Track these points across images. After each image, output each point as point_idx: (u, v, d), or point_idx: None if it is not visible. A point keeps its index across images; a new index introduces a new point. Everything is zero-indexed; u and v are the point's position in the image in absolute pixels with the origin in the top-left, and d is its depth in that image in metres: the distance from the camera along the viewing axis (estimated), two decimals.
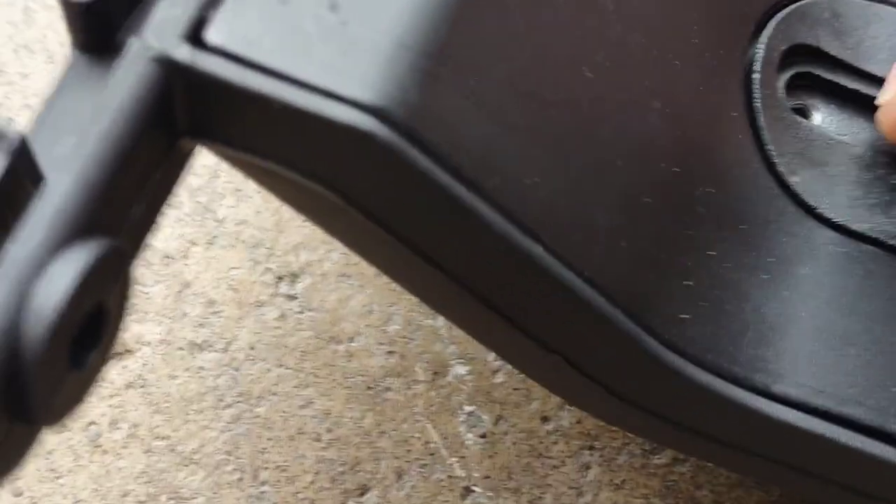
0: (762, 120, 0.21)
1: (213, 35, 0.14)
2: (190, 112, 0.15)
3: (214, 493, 0.23)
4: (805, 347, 0.20)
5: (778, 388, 0.19)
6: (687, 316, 0.19)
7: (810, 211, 0.21)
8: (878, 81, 0.22)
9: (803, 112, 0.23)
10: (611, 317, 0.18)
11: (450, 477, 0.24)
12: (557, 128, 0.17)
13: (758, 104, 0.21)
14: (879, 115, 0.21)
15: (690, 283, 0.19)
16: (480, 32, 0.16)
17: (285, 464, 0.24)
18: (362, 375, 0.25)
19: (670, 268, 0.19)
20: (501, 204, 0.16)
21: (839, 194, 0.21)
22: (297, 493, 0.24)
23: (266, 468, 0.24)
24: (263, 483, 0.24)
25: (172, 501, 0.23)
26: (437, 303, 0.19)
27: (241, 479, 0.24)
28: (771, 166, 0.21)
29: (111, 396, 0.24)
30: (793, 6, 0.22)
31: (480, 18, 0.16)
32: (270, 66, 0.14)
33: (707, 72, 0.21)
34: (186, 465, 0.24)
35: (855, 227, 0.21)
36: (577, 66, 0.18)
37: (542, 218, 0.17)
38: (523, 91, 0.17)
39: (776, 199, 0.21)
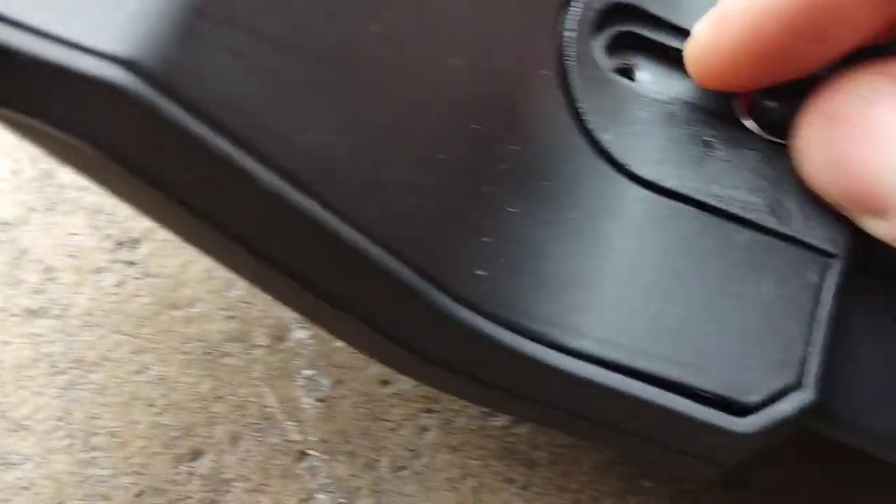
0: (574, 79, 0.21)
1: None
2: None
3: (44, 458, 0.23)
4: (604, 302, 0.20)
5: (574, 343, 0.19)
6: (483, 272, 0.19)
7: (620, 168, 0.21)
8: None
9: (629, 72, 0.23)
10: (397, 273, 0.18)
11: (286, 441, 0.24)
12: (338, 85, 0.17)
13: (570, 63, 0.21)
14: (686, 53, 0.21)
15: (488, 239, 0.19)
16: None
17: (117, 429, 0.24)
18: (200, 341, 0.25)
19: (466, 225, 0.19)
20: (271, 160, 0.16)
21: (650, 151, 0.21)
22: (129, 458, 0.24)
23: (98, 434, 0.24)
24: (94, 448, 0.24)
25: (1, 467, 0.23)
26: (226, 262, 0.19)
27: (71, 445, 0.23)
28: (581, 124, 0.21)
29: None
30: None
31: None
32: (19, 20, 0.14)
33: (518, 31, 0.21)
34: (16, 431, 0.23)
35: (665, 183, 0.21)
36: (363, 22, 0.18)
37: (319, 174, 0.17)
38: (298, 49, 0.17)
39: (585, 157, 0.21)
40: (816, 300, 0.20)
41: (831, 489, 0.25)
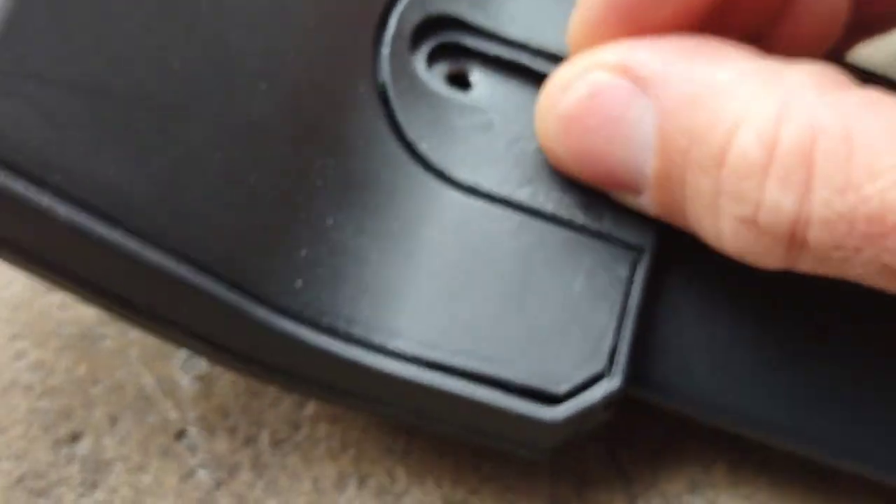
0: (391, 92, 0.22)
1: None
2: None
3: None
4: (422, 304, 0.21)
5: (394, 345, 0.20)
6: (301, 283, 0.20)
7: (438, 174, 0.22)
8: (519, 46, 0.23)
9: (463, 79, 0.23)
10: (211, 290, 0.19)
11: (164, 420, 0.24)
12: (135, 120, 0.18)
13: (386, 78, 0.22)
14: (569, 29, 0.22)
15: (305, 251, 0.20)
16: (37, 38, 0.17)
17: None
18: (76, 325, 0.25)
19: (282, 239, 0.20)
20: (70, 195, 0.17)
21: (468, 157, 0.22)
22: (9, 443, 0.24)
23: None
24: None
25: None
26: (68, 292, 0.20)
27: None
28: (400, 135, 0.22)
29: None
30: None
31: (37, 22, 0.17)
32: None
33: (332, 50, 0.21)
34: None
35: (481, 187, 0.22)
36: (159, 58, 0.19)
37: (120, 204, 0.18)
38: (89, 90, 0.18)
39: (404, 165, 0.21)
40: (626, 292, 0.21)
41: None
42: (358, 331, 0.20)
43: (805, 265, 0.19)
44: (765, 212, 0.18)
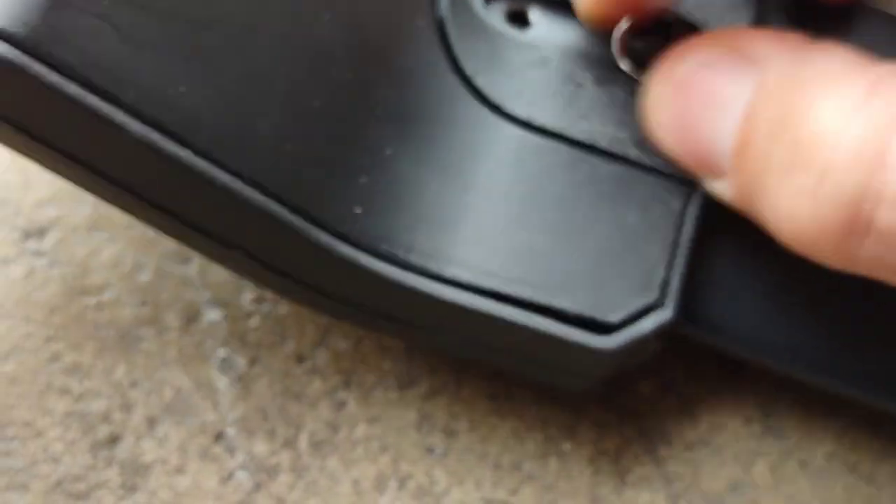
0: (450, 26, 0.22)
1: None
2: None
3: None
4: (478, 234, 0.21)
5: (450, 272, 0.21)
6: (361, 210, 0.20)
7: (494, 108, 0.22)
8: None
9: (521, 16, 0.23)
10: (277, 214, 0.19)
11: (203, 422, 0.24)
12: (206, 42, 0.19)
13: (445, 13, 0.22)
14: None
15: (365, 179, 0.20)
16: None
17: (33, 419, 0.24)
18: (113, 327, 0.25)
19: (343, 166, 0.20)
20: (142, 113, 0.18)
21: (523, 92, 0.22)
22: (47, 446, 0.24)
23: (13, 425, 0.24)
24: (11, 439, 0.24)
25: None
26: (126, 210, 0.21)
27: None
28: (458, 69, 0.22)
29: None
30: None
31: None
32: None
33: None
34: None
35: (536, 121, 0.22)
36: None
37: (190, 125, 0.18)
38: (162, 10, 0.18)
39: (461, 99, 0.22)
40: (679, 226, 0.22)
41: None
42: (415, 258, 0.20)
43: (866, 255, 0.18)
44: (829, 184, 0.18)
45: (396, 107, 0.21)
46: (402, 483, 0.24)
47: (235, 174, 0.19)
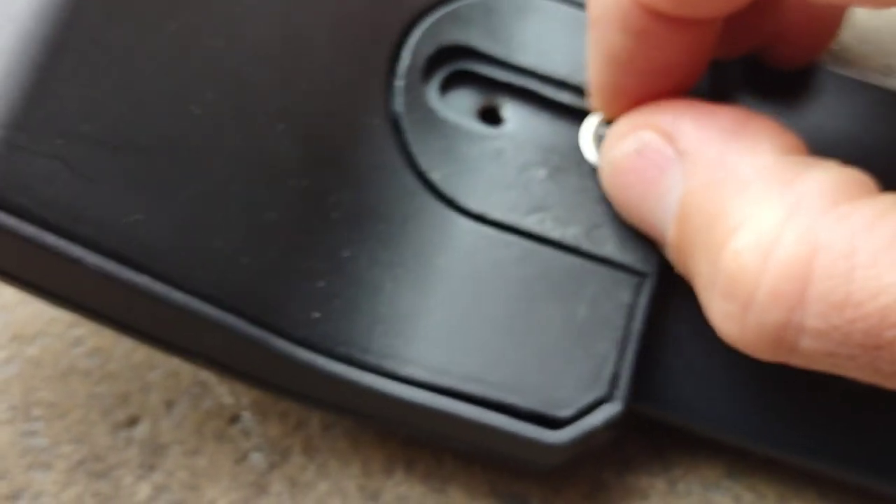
0: (404, 123, 0.22)
1: None
2: None
3: None
4: (432, 332, 0.22)
5: (406, 371, 0.21)
6: (318, 314, 0.21)
7: (450, 204, 0.22)
8: (529, 73, 0.24)
9: (494, 111, 0.24)
10: (234, 326, 0.20)
11: (219, 404, 0.25)
12: (159, 169, 0.19)
13: (399, 109, 0.23)
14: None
15: (322, 283, 0.21)
16: (64, 97, 0.18)
17: (57, 400, 0.25)
18: None
19: (299, 273, 0.21)
20: (99, 245, 0.19)
21: (479, 185, 0.23)
22: (69, 427, 0.25)
23: (38, 406, 0.25)
24: (36, 419, 0.25)
25: None
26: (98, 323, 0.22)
27: (13, 418, 0.25)
28: (413, 166, 0.22)
29: None
30: (441, 11, 0.23)
31: (68, 82, 0.18)
32: None
33: (345, 86, 0.22)
34: None
35: (491, 215, 0.22)
36: (180, 106, 0.20)
37: (146, 250, 0.19)
38: (114, 143, 0.19)
39: (417, 196, 0.22)
40: (630, 317, 0.22)
41: None
42: (372, 359, 0.21)
43: (796, 362, 0.19)
44: (753, 315, 0.18)
45: (353, 208, 0.22)
46: (410, 466, 0.25)
47: (192, 293, 0.19)
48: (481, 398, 0.21)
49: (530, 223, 0.22)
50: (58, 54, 0.18)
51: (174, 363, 0.25)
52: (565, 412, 0.21)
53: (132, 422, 0.25)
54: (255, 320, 0.20)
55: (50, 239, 0.18)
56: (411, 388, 0.21)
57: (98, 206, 0.19)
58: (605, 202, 0.23)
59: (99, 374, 0.25)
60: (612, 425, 0.22)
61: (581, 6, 0.24)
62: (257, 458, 0.25)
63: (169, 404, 0.25)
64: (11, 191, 0.18)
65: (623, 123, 0.22)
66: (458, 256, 0.22)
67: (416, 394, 0.21)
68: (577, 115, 0.23)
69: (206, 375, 0.25)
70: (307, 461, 0.25)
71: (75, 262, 0.18)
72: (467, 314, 0.22)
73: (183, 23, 0.20)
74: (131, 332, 0.21)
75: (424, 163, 0.22)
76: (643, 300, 0.22)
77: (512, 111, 0.23)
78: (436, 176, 0.22)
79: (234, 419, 0.25)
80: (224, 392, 0.25)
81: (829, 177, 0.19)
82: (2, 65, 0.18)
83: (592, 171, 0.23)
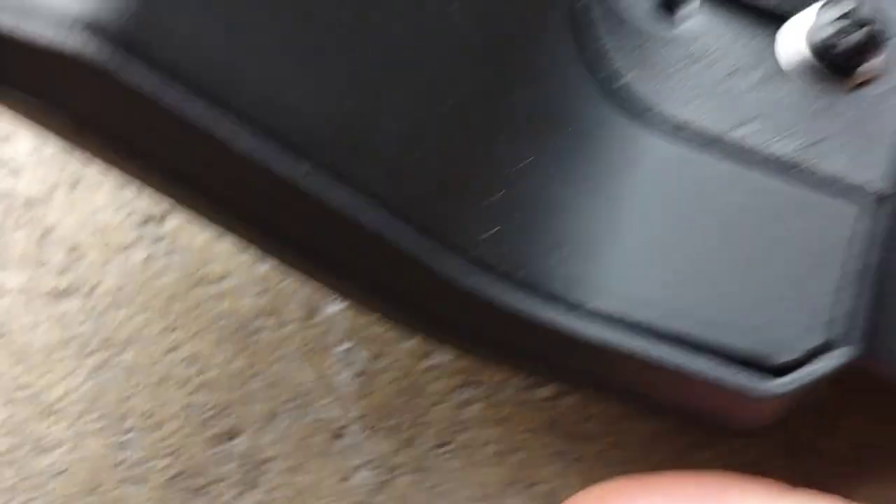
0: (594, 20, 0.20)
1: None
2: None
3: (77, 442, 0.23)
4: (628, 259, 0.18)
5: (595, 304, 0.18)
6: (495, 231, 0.18)
7: (644, 112, 0.19)
8: None
9: (671, 6, 0.21)
10: (401, 236, 0.17)
11: (323, 418, 0.23)
12: (327, 40, 0.16)
13: (588, 3, 0.20)
14: None
15: (501, 194, 0.18)
16: None
17: (151, 410, 0.23)
18: (232, 317, 0.24)
19: (477, 179, 0.18)
20: (255, 121, 0.15)
21: (677, 92, 0.20)
22: (164, 438, 0.23)
23: (131, 416, 0.23)
24: (128, 430, 0.23)
25: (34, 452, 0.23)
26: (230, 231, 0.18)
27: (104, 428, 0.23)
28: (601, 67, 0.20)
29: None
30: None
31: None
32: None
33: None
34: (48, 415, 0.23)
35: (692, 126, 0.19)
36: None
37: (308, 133, 0.16)
38: (280, 3, 0.15)
39: (605, 102, 0.19)
40: (867, 248, 0.19)
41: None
42: (556, 286, 0.18)
43: None
44: None
45: (534, 112, 0.19)
46: (530, 487, 0.23)
47: (356, 189, 0.16)
48: (684, 337, 0.18)
49: (740, 135, 0.19)
50: None
51: (275, 372, 0.23)
52: (787, 356, 0.18)
53: (231, 435, 0.23)
54: (424, 230, 0.17)
55: (198, 108, 0.14)
56: (601, 325, 0.18)
57: (255, 73, 0.15)
58: (826, 115, 0.20)
59: (196, 383, 0.23)
60: (840, 375, 0.18)
61: None
62: (364, 476, 0.23)
63: (270, 416, 0.23)
64: (155, 41, 0.14)
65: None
66: (654, 174, 0.19)
67: (607, 332, 0.18)
68: (779, 18, 0.20)
69: (311, 386, 0.23)
70: (418, 481, 0.23)
71: (225, 140, 0.15)
72: (666, 241, 0.19)
73: None
74: (269, 241, 0.18)
75: (616, 63, 0.19)
76: (879, 228, 0.19)
77: (704, 8, 0.20)
78: (628, 78, 0.19)
79: (340, 434, 0.23)
80: (329, 403, 0.23)
81: None
82: None
83: (803, 85, 0.20)
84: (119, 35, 0.13)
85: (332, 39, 0.16)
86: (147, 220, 0.24)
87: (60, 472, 0.22)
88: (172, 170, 0.16)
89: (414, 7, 0.17)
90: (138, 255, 0.24)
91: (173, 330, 0.24)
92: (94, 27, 0.13)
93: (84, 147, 0.17)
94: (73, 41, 0.13)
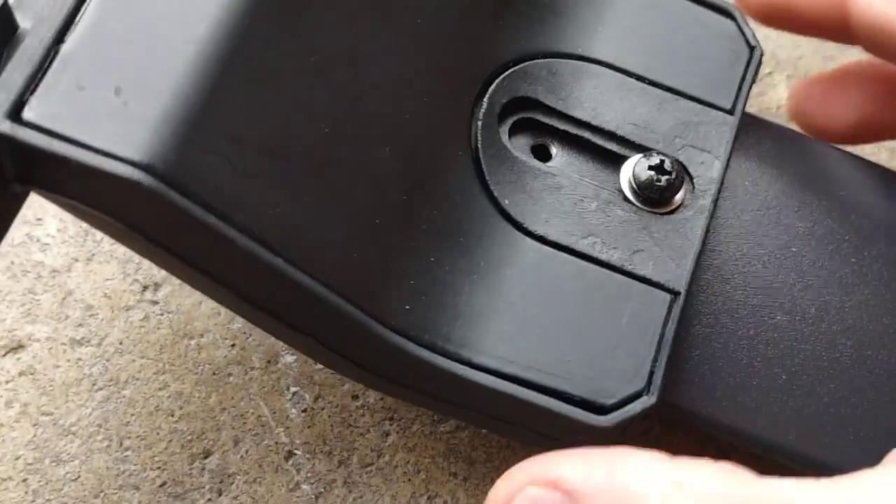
0: (482, 157, 0.28)
1: (27, 114, 0.21)
2: (15, 166, 0.21)
3: (87, 456, 0.30)
4: (502, 329, 0.26)
5: (479, 360, 0.26)
6: (409, 307, 0.25)
7: (517, 226, 0.27)
8: (583, 124, 0.29)
9: (546, 148, 0.29)
10: (345, 310, 0.24)
11: (276, 443, 0.30)
12: (296, 173, 0.24)
13: (479, 145, 0.28)
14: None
15: (413, 282, 0.26)
16: (232, 108, 0.23)
17: (145, 434, 0.30)
18: (209, 364, 0.31)
19: (397, 271, 0.25)
20: (248, 230, 0.23)
21: (541, 212, 0.27)
22: (154, 456, 0.30)
23: (129, 437, 0.30)
24: (127, 449, 0.30)
25: (54, 463, 0.30)
26: (219, 301, 0.26)
27: (108, 446, 0.30)
28: (488, 193, 0.27)
29: (6, 382, 0.30)
30: (516, 67, 0.29)
31: (233, 98, 0.23)
32: (68, 135, 0.21)
33: (438, 122, 0.27)
34: (66, 436, 0.30)
35: (550, 237, 0.27)
36: (315, 124, 0.24)
37: (284, 238, 0.23)
38: (267, 149, 0.23)
39: (490, 218, 0.27)
40: (664, 327, 0.27)
41: None
42: (452, 347, 0.25)
43: None
44: None
45: (439, 223, 0.26)
46: (431, 500, 0.30)
47: (315, 278, 0.24)
48: (540, 385, 0.25)
49: (584, 245, 0.27)
50: (227, 73, 0.23)
51: (241, 407, 0.31)
52: (609, 400, 0.25)
53: (206, 454, 0.30)
54: (359, 307, 0.24)
55: (212, 220, 0.22)
56: (483, 374, 0.25)
57: (250, 198, 0.23)
58: (644, 232, 0.28)
59: (179, 414, 0.30)
60: (646, 415, 0.26)
61: (627, 73, 0.29)
62: (306, 489, 0.30)
63: (236, 441, 0.30)
64: (187, 178, 0.22)
65: (502, 488, 0.23)
66: (523, 269, 0.27)
67: (487, 379, 0.25)
68: (620, 160, 0.29)
69: (267, 419, 0.31)
70: (347, 493, 0.30)
71: (229, 241, 0.22)
72: (530, 316, 0.26)
73: (322, 57, 0.24)
74: (254, 308, 0.25)
75: (497, 191, 0.27)
76: (675, 313, 0.27)
77: (560, 151, 0.29)
78: (506, 202, 0.27)
79: (289, 455, 0.30)
80: (281, 432, 0.31)
81: (712, 467, 0.22)
82: (187, 77, 0.22)
83: (633, 207, 0.28)
84: (166, 174, 0.21)
85: (302, 177, 0.24)
86: (146, 288, 0.32)
87: (74, 480, 0.29)
88: (189, 260, 0.24)
89: (357, 155, 0.25)
90: (138, 314, 0.31)
91: (163, 373, 0.31)
92: (149, 168, 0.21)
93: (129, 241, 0.24)
94: (139, 177, 0.21)
